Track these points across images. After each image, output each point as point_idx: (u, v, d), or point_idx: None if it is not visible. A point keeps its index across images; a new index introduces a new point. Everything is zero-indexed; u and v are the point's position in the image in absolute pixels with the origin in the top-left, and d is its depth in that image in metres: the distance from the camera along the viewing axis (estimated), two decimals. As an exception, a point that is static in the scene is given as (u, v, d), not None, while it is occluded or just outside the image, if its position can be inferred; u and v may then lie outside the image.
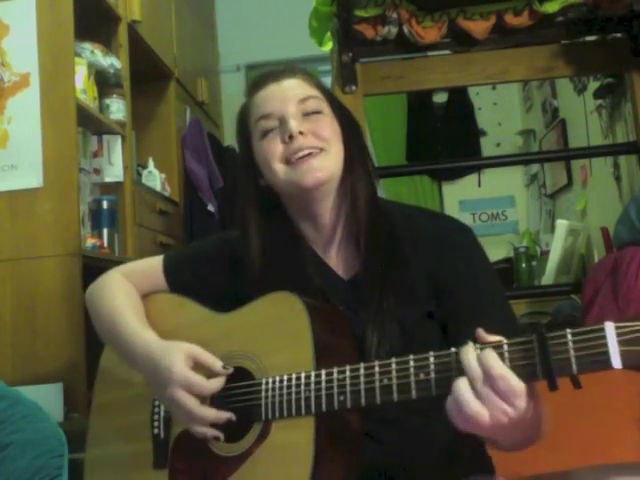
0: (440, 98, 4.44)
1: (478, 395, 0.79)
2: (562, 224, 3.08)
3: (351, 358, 0.98)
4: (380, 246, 1.06)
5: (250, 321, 1.06)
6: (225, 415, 1.01)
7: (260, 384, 1.00)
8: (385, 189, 4.11)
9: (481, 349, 0.81)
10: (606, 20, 2.26)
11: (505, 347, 0.80)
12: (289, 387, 0.96)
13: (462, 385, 0.80)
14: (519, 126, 4.53)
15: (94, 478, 1.19)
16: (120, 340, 1.13)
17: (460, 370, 0.81)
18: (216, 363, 1.03)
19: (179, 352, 1.03)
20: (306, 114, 1.08)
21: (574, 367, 0.76)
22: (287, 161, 1.07)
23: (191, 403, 1.00)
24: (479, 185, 3.93)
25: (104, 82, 2.39)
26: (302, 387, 0.95)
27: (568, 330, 0.77)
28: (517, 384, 0.78)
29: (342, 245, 1.12)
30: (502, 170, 4.02)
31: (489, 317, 1.00)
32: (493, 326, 0.84)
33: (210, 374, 1.02)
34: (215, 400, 1.04)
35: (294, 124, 1.06)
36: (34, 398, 1.38)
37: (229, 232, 1.24)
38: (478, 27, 2.22)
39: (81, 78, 2.19)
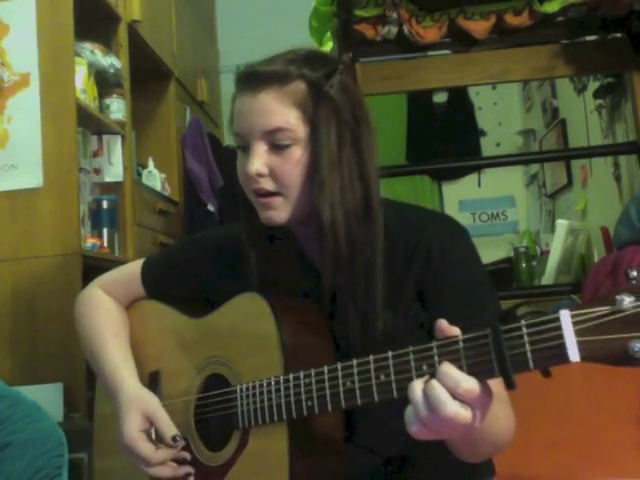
0: (440, 98, 4.44)
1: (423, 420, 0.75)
2: (562, 224, 3.08)
3: (326, 356, 0.97)
4: (363, 262, 0.99)
5: (222, 325, 1.07)
6: (182, 471, 1.04)
7: (235, 391, 0.99)
8: (384, 189, 4.11)
9: (430, 376, 0.76)
10: (606, 20, 2.26)
11: (461, 344, 0.75)
12: (261, 394, 0.95)
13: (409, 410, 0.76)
14: (519, 126, 4.53)
15: None
16: (101, 373, 1.16)
17: (419, 369, 0.78)
18: (168, 433, 1.03)
19: (136, 413, 1.05)
20: (274, 146, 0.98)
21: (531, 363, 0.71)
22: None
23: (140, 465, 1.03)
24: (479, 185, 3.92)
25: (104, 82, 2.39)
26: (273, 393, 0.93)
27: (523, 322, 0.72)
28: (476, 387, 0.74)
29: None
30: (502, 170, 4.02)
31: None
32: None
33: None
34: (197, 410, 1.05)
35: (255, 163, 0.98)
36: (34, 398, 1.38)
37: (216, 229, 1.27)
38: (478, 27, 2.22)
39: (81, 78, 2.19)
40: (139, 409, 1.05)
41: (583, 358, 0.67)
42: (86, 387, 1.90)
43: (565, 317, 0.69)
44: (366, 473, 1.00)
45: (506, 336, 0.72)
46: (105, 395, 1.21)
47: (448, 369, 0.75)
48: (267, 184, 0.99)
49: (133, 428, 1.04)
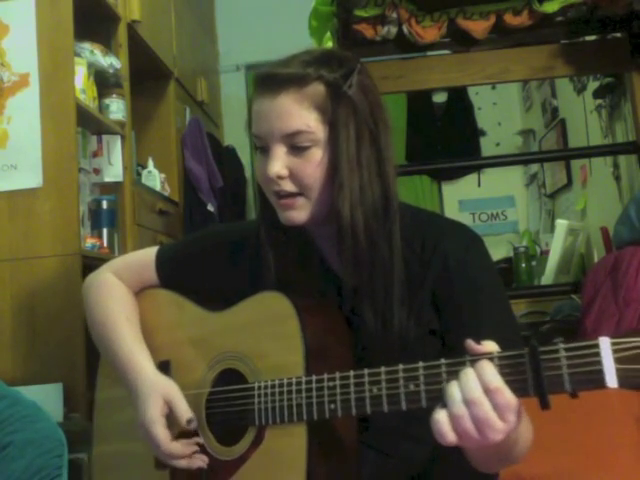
0: (440, 98, 4.44)
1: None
2: (562, 224, 3.08)
3: (346, 359, 0.97)
4: (381, 261, 1.00)
5: (241, 321, 1.06)
6: (196, 463, 1.03)
7: (253, 388, 0.99)
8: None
9: (473, 361, 0.77)
10: (606, 20, 2.26)
11: (496, 361, 0.76)
12: (281, 393, 0.95)
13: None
14: (519, 126, 4.53)
15: (102, 475, 1.21)
16: (114, 356, 1.15)
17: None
18: (183, 416, 1.03)
19: (158, 398, 1.05)
20: (294, 148, 0.99)
21: (567, 385, 0.72)
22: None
23: (155, 449, 1.04)
24: (479, 185, 3.92)
25: (104, 82, 2.39)
26: (293, 394, 0.94)
27: (561, 345, 0.73)
28: (512, 397, 0.74)
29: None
30: (502, 170, 4.02)
31: (489, 336, 0.95)
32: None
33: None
34: (209, 404, 1.06)
35: (275, 165, 0.99)
36: (34, 398, 1.38)
37: (233, 224, 1.25)
38: (478, 27, 2.22)
39: (81, 78, 2.19)
40: (161, 393, 1.05)
41: (621, 385, 0.69)
42: (86, 387, 1.90)
43: (605, 344, 0.70)
44: (381, 477, 1.00)
45: (543, 357, 0.73)
46: (109, 380, 1.21)
47: (487, 365, 0.76)
48: (287, 185, 1.00)
49: (155, 411, 1.04)
